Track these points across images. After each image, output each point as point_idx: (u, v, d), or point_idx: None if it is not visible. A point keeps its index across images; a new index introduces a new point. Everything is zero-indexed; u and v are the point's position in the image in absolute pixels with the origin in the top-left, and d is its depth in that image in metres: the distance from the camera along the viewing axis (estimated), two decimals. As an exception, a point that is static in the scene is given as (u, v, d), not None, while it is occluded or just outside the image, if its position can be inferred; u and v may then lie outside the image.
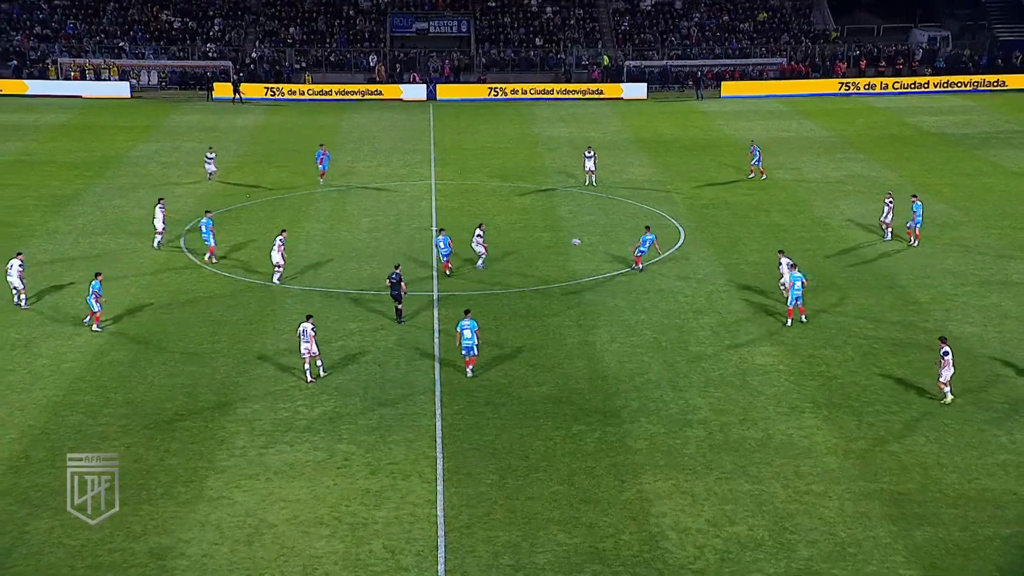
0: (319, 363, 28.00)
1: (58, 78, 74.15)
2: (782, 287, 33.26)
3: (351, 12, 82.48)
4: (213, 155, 49.18)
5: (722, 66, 79.23)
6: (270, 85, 74.03)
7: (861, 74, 79.19)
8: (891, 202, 40.14)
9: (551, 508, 22.20)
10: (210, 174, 48.58)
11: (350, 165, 53.14)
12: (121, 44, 77.58)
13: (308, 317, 28.16)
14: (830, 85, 76.22)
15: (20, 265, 32.39)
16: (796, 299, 31.70)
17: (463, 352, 28.24)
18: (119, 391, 27.06)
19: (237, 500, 22.22)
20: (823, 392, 27.55)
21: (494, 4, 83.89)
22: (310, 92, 73.91)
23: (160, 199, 40.31)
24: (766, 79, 77.96)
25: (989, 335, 31.06)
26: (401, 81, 76.33)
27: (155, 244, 38.69)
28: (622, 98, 74.59)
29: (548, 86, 75.30)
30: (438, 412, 26.27)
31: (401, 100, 73.97)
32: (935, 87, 76.50)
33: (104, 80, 74.01)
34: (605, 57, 79.12)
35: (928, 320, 32.21)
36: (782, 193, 47.88)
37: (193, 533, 21.07)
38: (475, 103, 73.19)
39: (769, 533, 21.40)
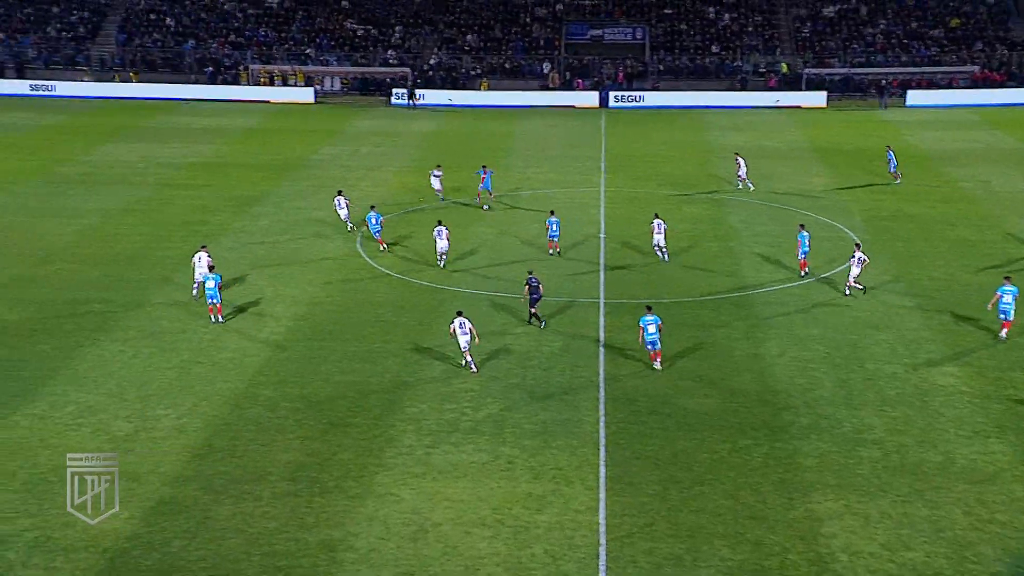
0: (468, 357, 28.71)
1: (248, 84, 77.79)
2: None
3: (527, 20, 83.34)
4: (440, 172, 47.14)
5: (908, 74, 76.19)
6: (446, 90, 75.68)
7: (1062, 83, 74.74)
8: None
9: (715, 522, 21.80)
10: (438, 191, 46.54)
11: (522, 171, 53.68)
12: (307, 51, 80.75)
13: (459, 313, 28.90)
14: (1026, 94, 72.29)
15: (208, 257, 34.09)
16: (1004, 314, 30.39)
17: (648, 347, 28.59)
18: (296, 386, 28.10)
19: (403, 497, 22.73)
20: (1011, 417, 26.08)
21: (671, 11, 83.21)
22: (485, 98, 75.11)
23: (339, 191, 43.02)
24: (955, 88, 74.52)
25: None
26: (570, 88, 76.62)
27: (349, 228, 41.74)
28: (800, 106, 72.72)
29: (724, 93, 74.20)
30: (602, 419, 26.20)
31: (573, 107, 74.23)
32: None
33: (290, 86, 77.17)
34: (783, 65, 77.33)
35: None
36: (970, 207, 45.65)
37: (361, 527, 21.66)
38: (648, 110, 72.74)
39: (948, 562, 20.39)
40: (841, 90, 75.62)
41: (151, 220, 43.93)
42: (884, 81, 74.76)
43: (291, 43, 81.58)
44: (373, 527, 21.65)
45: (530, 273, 32.91)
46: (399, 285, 36.04)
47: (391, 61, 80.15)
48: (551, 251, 38.82)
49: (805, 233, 36.52)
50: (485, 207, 45.51)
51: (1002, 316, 30.74)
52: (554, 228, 38.68)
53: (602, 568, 20.36)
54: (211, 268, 33.25)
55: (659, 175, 52.66)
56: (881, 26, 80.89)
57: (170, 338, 31.14)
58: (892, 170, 49.69)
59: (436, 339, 31.19)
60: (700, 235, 41.99)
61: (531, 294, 32.03)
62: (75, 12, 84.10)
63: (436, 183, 46.90)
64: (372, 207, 40.95)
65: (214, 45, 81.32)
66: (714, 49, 79.92)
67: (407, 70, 78.55)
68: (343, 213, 41.93)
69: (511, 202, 47.20)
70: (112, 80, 77.48)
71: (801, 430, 25.58)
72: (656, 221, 38.85)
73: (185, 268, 36.92)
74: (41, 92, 75.99)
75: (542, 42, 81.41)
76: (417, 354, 30.16)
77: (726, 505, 22.40)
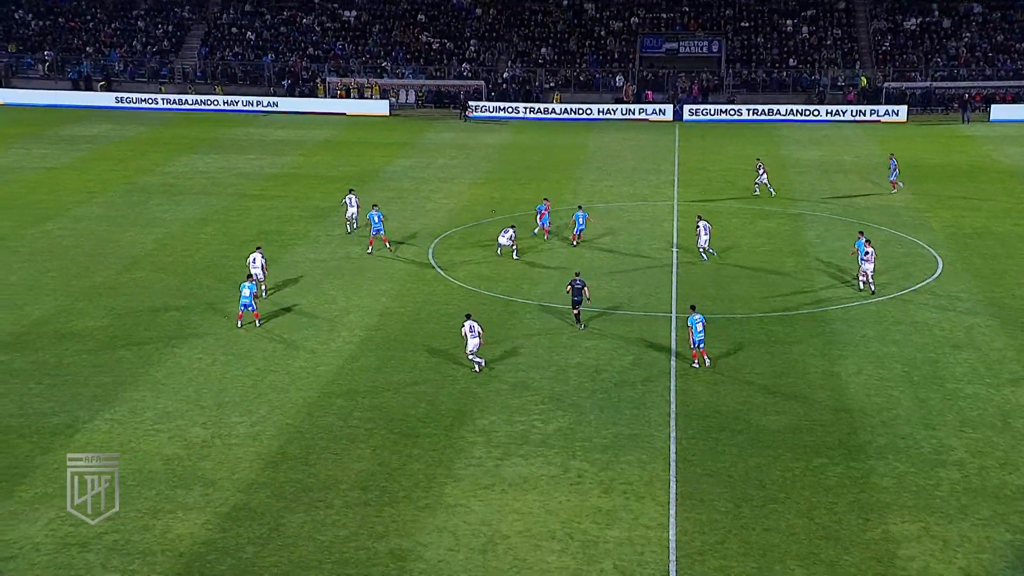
0: (477, 358, 29.41)
1: (325, 96, 78.93)
2: None
3: (602, 33, 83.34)
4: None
5: (993, 88, 74.49)
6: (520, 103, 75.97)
7: None
8: None
9: (789, 542, 21.45)
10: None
11: (594, 184, 53.61)
12: (383, 64, 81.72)
13: (468, 316, 29.91)
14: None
15: (262, 257, 35.14)
16: None
17: (697, 347, 29.31)
18: (367, 396, 28.35)
19: (473, 509, 22.77)
20: (1097, 441, 25.26)
21: (747, 24, 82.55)
22: (558, 111, 75.27)
23: (351, 189, 44.81)
24: (1044, 101, 72.78)
25: None
26: (640, 101, 76.38)
27: (349, 230, 43.20)
28: (880, 120, 71.56)
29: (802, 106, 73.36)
30: (672, 435, 25.98)
31: (647, 120, 73.97)
32: None
33: (366, 98, 78.12)
34: (863, 78, 76.17)
35: None
36: (1056, 223, 44.45)
37: (431, 538, 21.75)
38: (722, 123, 72.17)
39: (1029, 590, 19.80)
40: (922, 104, 74.26)
41: (228, 230, 44.74)
42: (967, 95, 73.22)
43: (367, 56, 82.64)
44: (443, 538, 21.72)
45: (576, 274, 33.34)
46: (470, 296, 36.18)
47: (465, 74, 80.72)
48: (573, 243, 41.46)
49: (864, 240, 36.30)
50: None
51: None
52: (580, 223, 41.30)
53: (672, 585, 20.17)
54: (248, 277, 34.18)
55: (733, 189, 52.17)
56: (965, 39, 79.27)
57: (246, 346, 31.65)
58: (892, 179, 50.20)
59: (507, 351, 31.23)
60: (775, 250, 41.49)
61: (573, 295, 32.56)
62: (160, 26, 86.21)
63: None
64: (374, 205, 41.81)
65: (292, 58, 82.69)
66: (791, 62, 79.06)
67: (481, 83, 79.04)
68: (351, 211, 43.03)
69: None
70: (193, 92, 79.18)
71: (878, 450, 25.08)
72: (701, 223, 39.65)
73: (271, 272, 37.57)
74: (126, 104, 77.96)
75: (616, 55, 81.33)
76: (487, 366, 30.21)
77: (800, 524, 22.03)
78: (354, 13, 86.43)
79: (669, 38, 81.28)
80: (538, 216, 43.26)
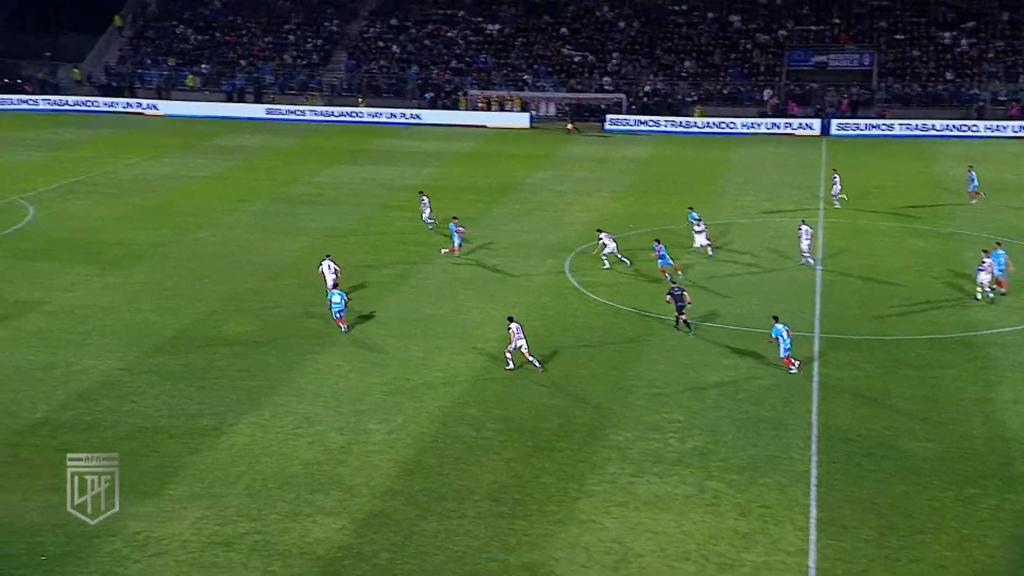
0: (530, 358, 30.34)
1: (467, 109, 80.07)
2: None
3: (748, 46, 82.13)
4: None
5: None
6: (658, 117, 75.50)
7: None
8: None
9: (938, 575, 20.57)
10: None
11: (735, 199, 52.79)
12: (525, 77, 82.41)
13: (511, 319, 30.93)
14: None
15: (335, 264, 36.66)
16: None
17: (785, 355, 29.79)
18: (501, 407, 28.52)
19: (606, 526, 22.63)
20: None
21: (902, 37, 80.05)
22: (700, 125, 74.50)
23: (421, 191, 47.21)
24: None
25: None
26: (786, 115, 74.83)
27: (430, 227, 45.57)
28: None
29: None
30: (813, 458, 25.28)
31: (792, 135, 72.47)
32: None
33: (507, 111, 78.91)
34: (1026, 91, 73.01)
35: None
36: None
37: (563, 553, 21.70)
38: (873, 139, 70.10)
39: None
40: (1092, 119, 70.67)
41: (370, 240, 45.77)
42: None
43: (509, 69, 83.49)
44: (575, 554, 21.64)
45: (673, 283, 34.72)
46: (607, 310, 36.06)
47: (606, 87, 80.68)
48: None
49: (1001, 252, 36.27)
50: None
51: None
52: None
53: (810, 614, 19.61)
54: (335, 285, 35.41)
55: (883, 206, 50.59)
56: None
57: (383, 354, 32.27)
58: (971, 190, 49.87)
59: (643, 366, 30.98)
60: (925, 270, 40.03)
61: (676, 302, 33.21)
62: (310, 40, 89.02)
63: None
64: (454, 217, 42.71)
65: (436, 71, 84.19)
66: (948, 76, 76.27)
67: (622, 96, 78.87)
68: (426, 213, 45.98)
69: (722, 231, 46.45)
70: (339, 104, 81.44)
71: (1036, 483, 23.88)
72: (803, 228, 39.69)
73: (400, 286, 38.33)
74: (275, 116, 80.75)
75: (762, 68, 79.99)
76: (623, 381, 30.05)
77: (950, 557, 21.12)
78: (497, 26, 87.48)
79: (818, 51, 79.50)
80: (695, 228, 42.14)
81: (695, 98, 78.55)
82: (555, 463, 25.33)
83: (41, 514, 22.77)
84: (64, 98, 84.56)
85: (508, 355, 30.69)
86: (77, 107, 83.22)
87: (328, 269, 36.68)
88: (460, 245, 41.75)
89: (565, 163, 63.68)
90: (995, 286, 35.98)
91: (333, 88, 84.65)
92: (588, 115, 78.70)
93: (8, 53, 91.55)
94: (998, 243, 37.13)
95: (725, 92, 78.84)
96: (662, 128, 74.87)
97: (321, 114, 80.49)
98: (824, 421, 27.23)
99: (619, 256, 40.49)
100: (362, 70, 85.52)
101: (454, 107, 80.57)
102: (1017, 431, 26.40)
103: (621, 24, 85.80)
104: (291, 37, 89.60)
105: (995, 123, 70.56)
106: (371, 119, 79.22)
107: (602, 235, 40.76)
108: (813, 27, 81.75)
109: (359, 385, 29.94)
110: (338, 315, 33.59)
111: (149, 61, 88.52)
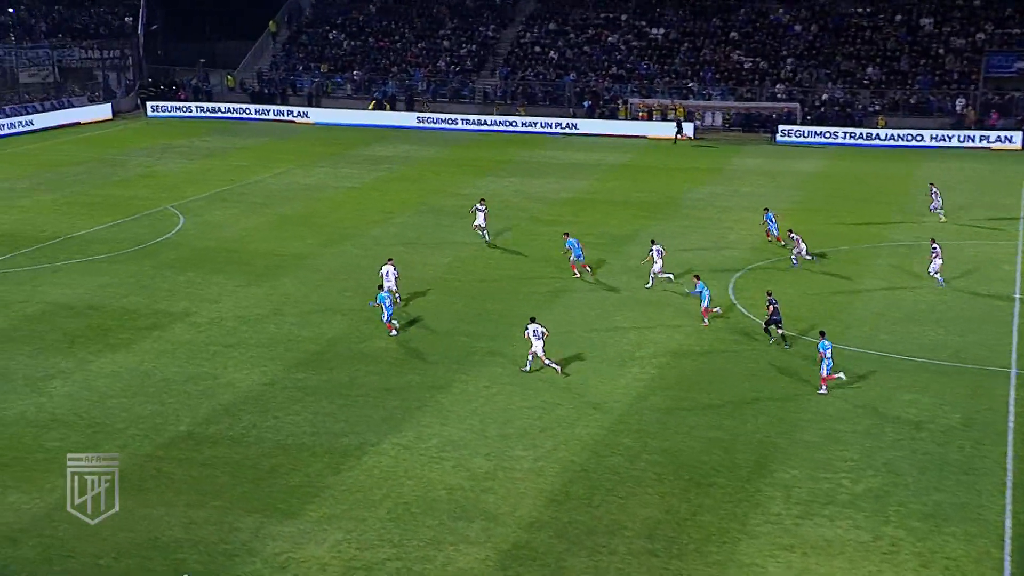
0: (548, 361, 32.08)
1: (626, 118, 79.94)
2: None
3: (940, 51, 79.43)
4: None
5: None
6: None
7: None
8: None
9: None
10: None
11: (919, 217, 51.06)
12: (690, 85, 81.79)
13: (532, 319, 32.68)
14: None
15: (393, 271, 38.22)
16: None
17: (827, 372, 30.24)
18: (657, 437, 28.27)
19: (769, 571, 22.12)
20: None
21: (1116, 38, 76.17)
22: (882, 137, 72.41)
23: (481, 199, 48.13)
24: None
25: None
26: (983, 127, 71.94)
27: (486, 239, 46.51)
28: None
29: None
30: (1008, 507, 24.13)
31: (989, 149, 69.67)
32: None
33: (669, 121, 78.45)
34: None
35: None
36: None
37: (719, 597, 21.33)
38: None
39: None
40: None
41: (518, 255, 46.15)
42: None
43: (672, 76, 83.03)
44: (733, 599, 21.24)
45: (769, 293, 35.05)
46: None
47: (779, 96, 79.35)
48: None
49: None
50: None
51: None
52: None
53: None
54: (380, 288, 36.59)
55: (1093, 229, 48.10)
56: None
57: (532, 376, 32.44)
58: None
59: (813, 399, 30.23)
60: None
61: (773, 314, 33.99)
62: (464, 46, 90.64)
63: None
64: (565, 233, 43.24)
65: (594, 78, 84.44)
66: None
67: (795, 105, 77.38)
68: (479, 221, 46.78)
69: (906, 254, 44.96)
70: (494, 113, 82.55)
71: None
72: (935, 246, 39.66)
73: (551, 305, 38.49)
74: (427, 124, 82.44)
75: (956, 75, 77.20)
76: (790, 414, 29.39)
77: None
78: (662, 30, 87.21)
79: (1022, 56, 76.17)
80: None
81: (877, 108, 76.39)
82: (714, 500, 24.94)
83: (184, 530, 23.74)
84: (217, 105, 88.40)
85: (530, 357, 32.34)
86: (229, 114, 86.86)
87: (388, 274, 38.08)
88: (580, 258, 41.86)
89: (730, 177, 62.86)
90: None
91: (486, 95, 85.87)
92: (757, 126, 77.50)
93: (164, 60, 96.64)
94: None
95: (912, 101, 76.41)
96: (839, 140, 73.10)
97: (473, 123, 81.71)
98: (1021, 467, 25.96)
99: (663, 274, 40.56)
100: (517, 77, 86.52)
101: (613, 116, 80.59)
102: None
103: (797, 27, 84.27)
104: (445, 43, 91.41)
105: None
106: (524, 128, 79.96)
107: (654, 248, 40.90)
108: (1016, 30, 78.43)
109: (506, 408, 30.17)
110: (388, 319, 35.51)
111: (301, 67, 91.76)
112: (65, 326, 36.58)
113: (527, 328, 32.36)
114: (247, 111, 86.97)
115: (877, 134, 72.84)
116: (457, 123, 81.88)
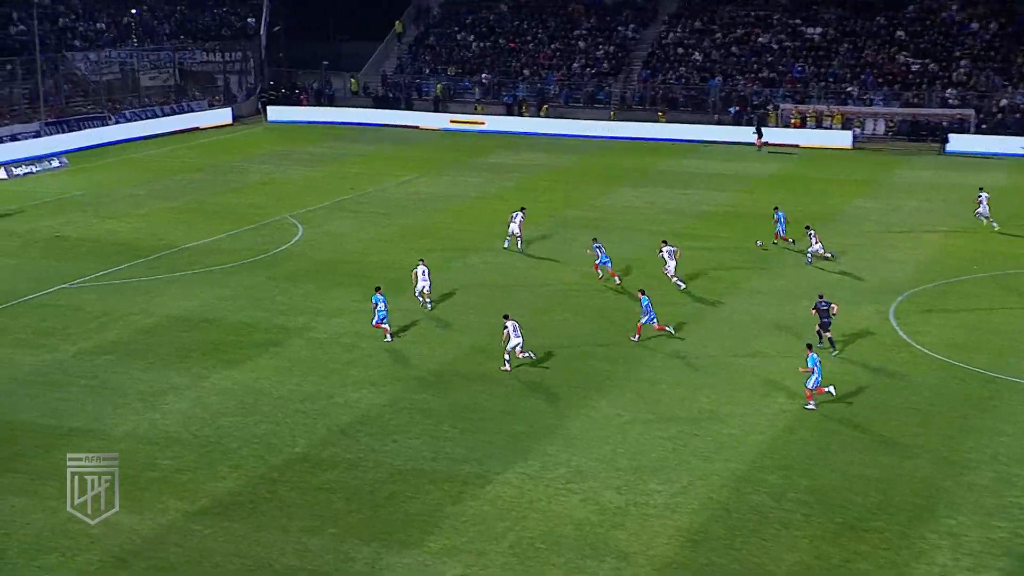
0: (522, 354, 34.39)
1: (777, 125, 78.87)
2: None
3: None
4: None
5: None
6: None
7: None
8: None
9: None
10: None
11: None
12: (848, 89, 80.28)
13: (507, 316, 34.91)
14: None
15: (427, 269, 40.60)
16: None
17: (815, 387, 31.39)
18: (805, 475, 27.74)
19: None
20: None
21: None
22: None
23: (522, 208, 49.63)
24: None
25: None
26: None
27: (517, 247, 47.93)
28: None
29: None
30: None
31: None
32: None
33: (824, 128, 77.14)
34: None
35: None
36: None
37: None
38: None
39: None
40: None
41: (653, 272, 45.86)
42: None
43: (829, 79, 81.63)
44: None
45: (820, 296, 36.20)
46: (941, 367, 34.45)
47: (950, 101, 77.22)
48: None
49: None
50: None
51: None
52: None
53: None
54: (377, 289, 37.70)
55: None
56: None
57: (668, 403, 32.22)
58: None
59: (985, 438, 29.33)
60: None
61: (822, 317, 35.21)
62: (601, 47, 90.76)
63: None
64: (593, 239, 44.90)
65: (742, 82, 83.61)
66: None
67: (970, 112, 75.28)
68: (514, 227, 48.53)
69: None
70: (628, 118, 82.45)
71: None
72: None
73: (691, 326, 38.18)
74: (558, 131, 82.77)
75: None
76: (958, 453, 28.52)
77: None
78: (819, 30, 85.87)
79: None
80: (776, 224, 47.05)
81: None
82: (870, 546, 24.35)
83: (298, 557, 24.23)
84: (339, 110, 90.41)
85: (518, 354, 34.27)
86: (351, 120, 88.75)
87: (422, 275, 40.44)
88: (606, 264, 43.39)
89: (893, 191, 61.47)
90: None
91: (623, 99, 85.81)
92: (925, 134, 75.58)
93: (286, 62, 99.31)
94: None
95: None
96: (1021, 152, 70.72)
97: (608, 129, 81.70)
98: None
99: (674, 277, 42.47)
100: (657, 80, 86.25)
101: (762, 123, 79.66)
102: None
103: (974, 25, 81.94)
104: (580, 44, 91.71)
105: None
106: (664, 135, 79.58)
107: (664, 249, 43.03)
108: None
109: (640, 438, 30.01)
110: (381, 321, 37.04)
111: (427, 70, 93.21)
112: (180, 340, 37.83)
113: (505, 326, 34.48)
114: (370, 116, 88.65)
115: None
116: (591, 129, 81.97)
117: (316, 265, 47.01)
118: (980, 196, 51.56)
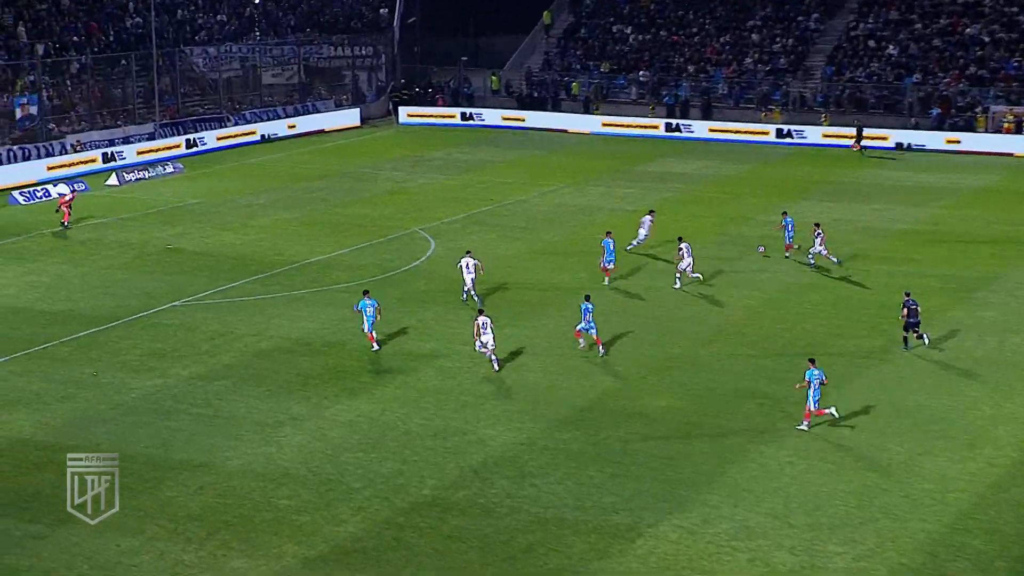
0: (494, 358, 37.01)
1: (987, 131, 76.97)
2: None
3: None
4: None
5: None
6: None
7: None
8: None
9: None
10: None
11: None
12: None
13: (481, 311, 37.83)
14: None
15: (475, 260, 43.32)
16: None
17: (815, 406, 32.57)
18: (1018, 542, 26.89)
19: None
20: None
21: None
22: None
23: (651, 211, 52.44)
24: None
25: None
26: None
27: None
28: None
29: None
30: None
31: None
32: None
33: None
34: None
35: None
36: None
37: None
38: None
39: None
40: None
41: (836, 300, 45.04)
42: None
43: (1051, 77, 79.39)
44: None
45: (907, 295, 38.95)
46: None
47: None
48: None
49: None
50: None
51: None
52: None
53: None
54: (365, 293, 39.80)
55: None
56: None
57: (851, 453, 31.65)
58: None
59: None
60: None
61: (908, 317, 38.25)
62: (778, 40, 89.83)
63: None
64: (608, 231, 47.72)
65: (945, 80, 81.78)
66: None
67: None
68: (643, 232, 50.87)
69: None
70: (807, 122, 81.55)
71: None
72: None
73: (876, 365, 37.40)
74: (726, 136, 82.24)
75: None
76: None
77: None
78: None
79: None
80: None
81: None
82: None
83: (420, 611, 24.46)
84: (479, 111, 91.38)
85: (481, 351, 37.25)
86: (492, 122, 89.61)
87: (467, 268, 43.05)
88: (610, 264, 46.64)
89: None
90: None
91: (803, 100, 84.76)
92: None
93: (421, 58, 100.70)
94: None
95: None
96: None
97: (785, 134, 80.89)
98: None
99: (693, 274, 45.97)
100: (844, 78, 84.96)
101: (969, 128, 77.83)
102: None
103: None
104: (754, 36, 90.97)
105: None
106: (847, 142, 78.30)
107: (682, 246, 46.12)
108: None
109: (818, 492, 29.50)
110: (370, 329, 38.96)
111: (578, 66, 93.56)
112: (299, 365, 38.61)
113: (477, 319, 37.23)
114: (513, 118, 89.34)
115: None
116: (766, 134, 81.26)
117: (448, 284, 47.44)
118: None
